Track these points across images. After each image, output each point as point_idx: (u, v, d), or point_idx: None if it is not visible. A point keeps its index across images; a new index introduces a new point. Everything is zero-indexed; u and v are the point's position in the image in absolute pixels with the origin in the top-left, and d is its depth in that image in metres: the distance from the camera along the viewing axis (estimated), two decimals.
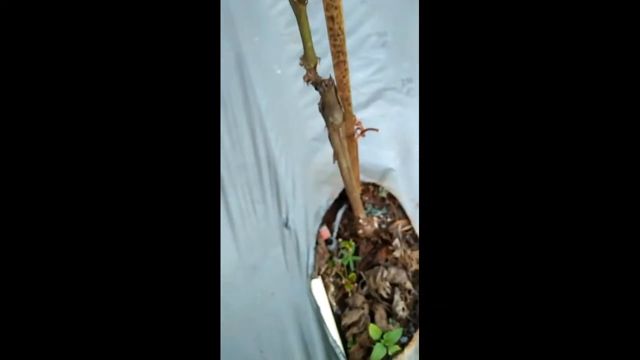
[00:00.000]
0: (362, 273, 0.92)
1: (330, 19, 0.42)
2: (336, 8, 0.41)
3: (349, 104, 0.61)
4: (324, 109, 0.52)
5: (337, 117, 0.54)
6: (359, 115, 1.14)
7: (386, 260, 0.93)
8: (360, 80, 1.17)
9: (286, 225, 0.98)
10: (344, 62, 0.50)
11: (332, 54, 0.49)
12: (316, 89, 0.48)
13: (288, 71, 1.21)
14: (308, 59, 0.43)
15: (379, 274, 0.90)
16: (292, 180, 1.04)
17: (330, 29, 0.44)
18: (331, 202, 1.01)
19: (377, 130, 0.70)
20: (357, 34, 1.23)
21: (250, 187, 1.05)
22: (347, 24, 1.26)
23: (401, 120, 1.09)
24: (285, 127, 1.12)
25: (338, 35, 0.44)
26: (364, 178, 1.02)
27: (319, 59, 0.44)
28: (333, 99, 0.50)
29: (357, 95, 1.16)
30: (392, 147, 1.06)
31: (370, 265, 0.93)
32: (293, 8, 0.38)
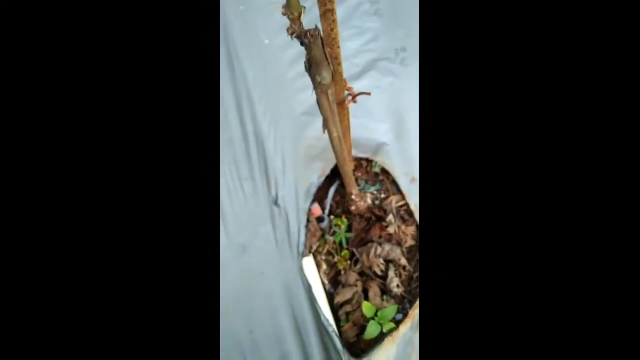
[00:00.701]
0: (355, 250, 0.89)
1: None
2: None
3: (339, 64, 0.56)
4: (311, 67, 0.47)
5: (326, 75, 0.48)
6: (352, 86, 1.09)
7: (380, 237, 0.90)
8: (352, 50, 1.11)
9: (276, 203, 0.94)
10: (332, 11, 0.45)
11: (318, 1, 0.43)
12: (301, 44, 0.43)
13: (276, 42, 1.15)
14: (291, 7, 0.38)
15: (373, 251, 0.87)
16: (281, 157, 0.99)
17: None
18: (323, 179, 0.97)
19: (369, 94, 0.65)
20: (349, 1, 1.16)
21: (238, 163, 1.00)
22: None
23: (395, 92, 1.04)
24: (274, 101, 1.06)
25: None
26: (356, 153, 0.98)
27: (304, 7, 0.39)
28: (320, 53, 0.45)
29: (350, 66, 1.11)
30: (386, 120, 1.02)
31: (364, 242, 0.90)
32: None
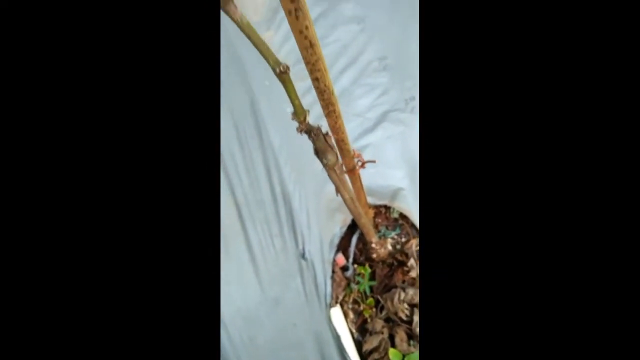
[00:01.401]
0: (379, 297, 0.91)
1: (316, 79, 0.47)
2: (319, 70, 0.45)
3: (346, 143, 0.65)
4: (317, 153, 0.58)
5: (330, 158, 0.59)
6: (366, 140, 1.17)
7: (403, 281, 0.91)
8: (364, 106, 1.20)
9: (303, 256, 1.01)
10: (334, 110, 0.54)
11: (322, 106, 0.53)
12: (308, 137, 0.53)
13: None
14: (297, 114, 0.49)
15: (397, 296, 0.89)
16: (306, 213, 1.08)
17: (316, 88, 0.48)
18: (344, 228, 1.03)
19: (374, 162, 0.73)
20: (359, 62, 1.27)
21: (269, 222, 1.10)
22: (348, 54, 1.31)
23: (407, 139, 1.09)
24: (297, 162, 1.17)
25: (324, 91, 0.49)
26: (374, 201, 1.03)
27: (308, 111, 0.49)
28: (323, 144, 0.55)
29: (363, 121, 1.19)
30: (400, 167, 1.06)
31: (388, 288, 0.92)
32: (277, 77, 0.44)
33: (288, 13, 0.36)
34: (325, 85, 0.48)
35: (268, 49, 0.41)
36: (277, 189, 1.17)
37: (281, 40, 1.34)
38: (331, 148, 0.57)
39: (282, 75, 0.43)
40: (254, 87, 1.37)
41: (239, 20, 0.38)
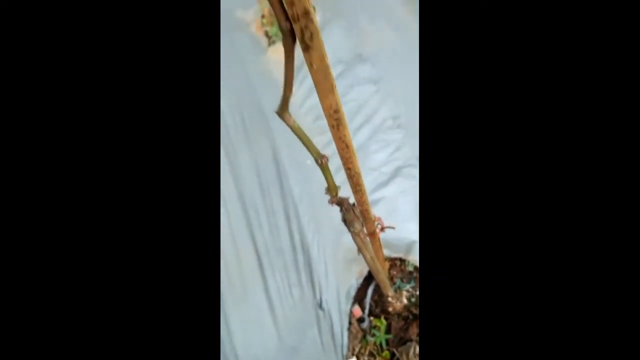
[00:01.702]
0: (395, 350, 0.95)
1: (348, 169, 0.55)
2: (351, 163, 0.53)
3: (368, 212, 0.72)
4: (346, 222, 0.66)
5: (357, 226, 0.67)
6: (381, 193, 1.24)
7: (418, 334, 0.95)
8: (379, 161, 1.28)
9: (320, 306, 1.05)
10: (361, 190, 0.62)
11: (351, 185, 0.61)
12: (340, 210, 0.62)
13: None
14: (330, 190, 0.57)
15: (412, 350, 0.92)
16: (324, 263, 1.13)
17: (348, 174, 0.56)
18: (361, 280, 1.08)
19: (393, 228, 0.80)
20: (374, 120, 1.37)
21: (287, 270, 1.16)
22: (365, 112, 1.41)
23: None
24: (315, 212, 1.24)
25: (354, 176, 0.57)
26: (390, 253, 1.09)
27: (339, 187, 0.58)
28: (352, 215, 0.64)
29: (378, 175, 1.27)
30: (414, 220, 1.12)
31: (403, 341, 0.96)
32: (318, 166, 0.53)
33: (331, 126, 0.44)
34: (355, 172, 0.55)
35: (313, 146, 0.50)
36: (296, 237, 1.23)
37: (303, 96, 1.46)
38: (357, 218, 0.64)
39: (322, 164, 0.51)
40: (276, 137, 1.47)
41: (292, 124, 0.47)
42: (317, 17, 1.73)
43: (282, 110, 0.46)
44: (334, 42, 1.63)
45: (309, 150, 0.50)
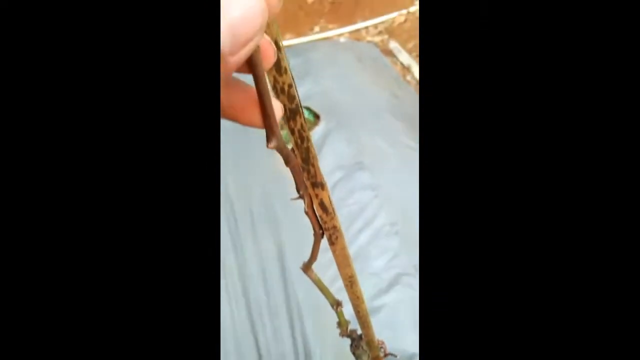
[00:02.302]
0: None
1: (358, 312, 0.64)
2: (357, 295, 0.62)
3: (373, 341, 0.80)
4: (355, 354, 0.73)
5: (364, 358, 0.74)
6: (382, 300, 1.31)
7: None
8: (379, 267, 1.37)
9: None
10: (368, 325, 0.71)
11: (360, 324, 0.69)
12: (350, 345, 0.70)
13: (320, 262, 1.46)
14: (341, 325, 0.66)
15: None
16: None
17: (357, 316, 0.65)
18: None
19: (395, 356, 0.87)
20: (374, 225, 1.49)
21: None
22: (364, 216, 1.54)
23: (417, 306, 1.23)
24: (319, 319, 1.30)
25: (362, 317, 0.66)
26: None
27: (349, 322, 0.66)
28: (360, 350, 0.71)
29: (378, 281, 1.35)
30: (414, 331, 1.18)
31: None
32: (333, 310, 0.62)
33: (346, 285, 0.55)
34: (364, 314, 0.65)
35: (330, 294, 0.60)
36: (299, 341, 1.27)
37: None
38: (365, 351, 0.72)
39: (337, 309, 0.61)
40: (283, 237, 1.57)
41: (314, 278, 0.57)
42: (321, 127, 1.92)
43: (307, 268, 0.57)
44: (336, 149, 1.82)
45: (326, 297, 0.60)
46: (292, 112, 0.34)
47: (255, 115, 0.30)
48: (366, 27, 3.05)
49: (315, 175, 0.42)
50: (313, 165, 0.41)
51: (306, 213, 0.46)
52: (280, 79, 0.30)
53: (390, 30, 2.96)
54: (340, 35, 3.03)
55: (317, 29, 3.16)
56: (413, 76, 2.53)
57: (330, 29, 3.11)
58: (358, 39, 2.95)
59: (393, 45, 2.68)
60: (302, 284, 1.40)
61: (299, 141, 0.37)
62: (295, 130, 0.36)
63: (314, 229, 0.48)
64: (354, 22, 3.10)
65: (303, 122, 0.36)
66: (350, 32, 3.05)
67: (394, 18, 2.99)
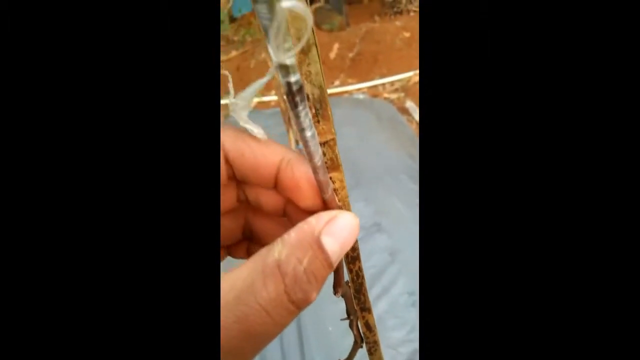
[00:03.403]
0: None
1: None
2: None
3: None
4: None
5: None
6: None
7: None
8: (397, 340, 1.34)
9: None
10: None
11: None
12: None
13: (339, 329, 1.44)
14: None
15: None
16: None
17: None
18: None
19: None
20: (390, 293, 1.48)
21: None
22: (382, 282, 1.53)
23: None
24: None
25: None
26: None
27: None
28: None
29: (396, 355, 1.32)
30: None
31: None
32: None
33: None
34: None
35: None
36: None
37: None
38: None
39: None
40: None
41: None
42: None
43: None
44: (354, 208, 1.84)
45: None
46: (353, 258, 0.39)
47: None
48: (383, 84, 3.19)
49: (364, 302, 0.45)
50: (364, 295, 0.44)
51: (351, 327, 0.49)
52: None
53: (407, 88, 3.08)
54: (359, 90, 3.17)
55: (337, 82, 3.31)
56: None
57: (350, 84, 3.25)
58: (375, 95, 3.07)
59: (409, 104, 2.77)
60: (319, 351, 1.37)
61: (355, 278, 0.42)
62: (354, 270, 0.40)
63: (355, 339, 0.49)
64: (372, 79, 3.25)
65: (360, 265, 0.40)
66: (369, 88, 3.18)
67: (410, 77, 3.12)
